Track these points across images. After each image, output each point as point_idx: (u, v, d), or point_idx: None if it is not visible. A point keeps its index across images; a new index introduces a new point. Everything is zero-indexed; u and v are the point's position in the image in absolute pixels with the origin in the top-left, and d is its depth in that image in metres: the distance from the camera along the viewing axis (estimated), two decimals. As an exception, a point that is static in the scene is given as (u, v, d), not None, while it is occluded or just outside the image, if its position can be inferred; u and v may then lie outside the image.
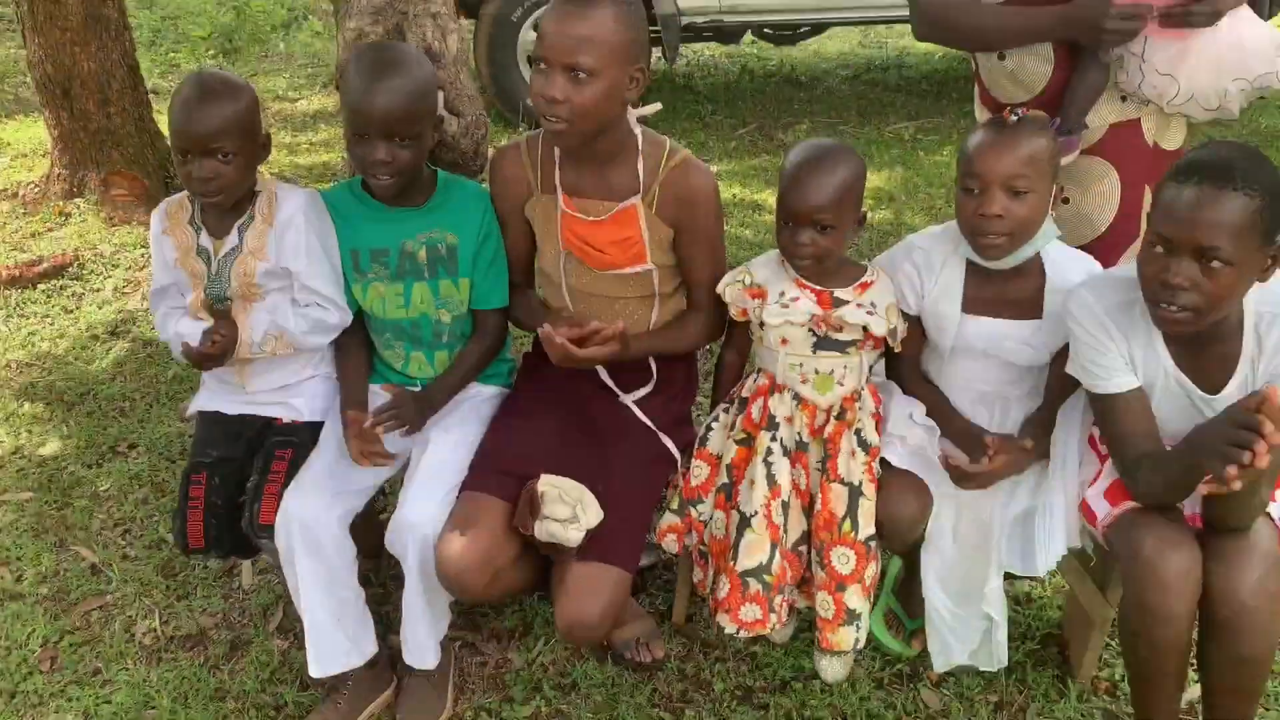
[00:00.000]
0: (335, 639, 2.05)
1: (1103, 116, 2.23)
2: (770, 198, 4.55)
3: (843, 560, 1.99)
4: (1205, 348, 1.78)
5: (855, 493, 1.99)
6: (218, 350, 2.00)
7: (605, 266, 2.08)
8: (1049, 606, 2.42)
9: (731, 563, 2.02)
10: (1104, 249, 2.21)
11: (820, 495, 2.02)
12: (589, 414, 2.15)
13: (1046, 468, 2.01)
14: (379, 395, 2.17)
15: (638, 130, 2.03)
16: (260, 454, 2.11)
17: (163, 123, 4.63)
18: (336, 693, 2.11)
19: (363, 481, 2.10)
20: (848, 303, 2.00)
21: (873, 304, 2.00)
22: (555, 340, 1.96)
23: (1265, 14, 5.56)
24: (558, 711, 2.17)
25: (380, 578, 2.47)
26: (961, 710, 2.15)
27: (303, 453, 2.10)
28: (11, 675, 2.27)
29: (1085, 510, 1.91)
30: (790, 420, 2.05)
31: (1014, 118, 1.88)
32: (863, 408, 2.05)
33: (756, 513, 2.01)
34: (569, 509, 1.95)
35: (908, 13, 2.35)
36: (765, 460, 2.03)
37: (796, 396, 2.05)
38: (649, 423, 2.14)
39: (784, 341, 2.04)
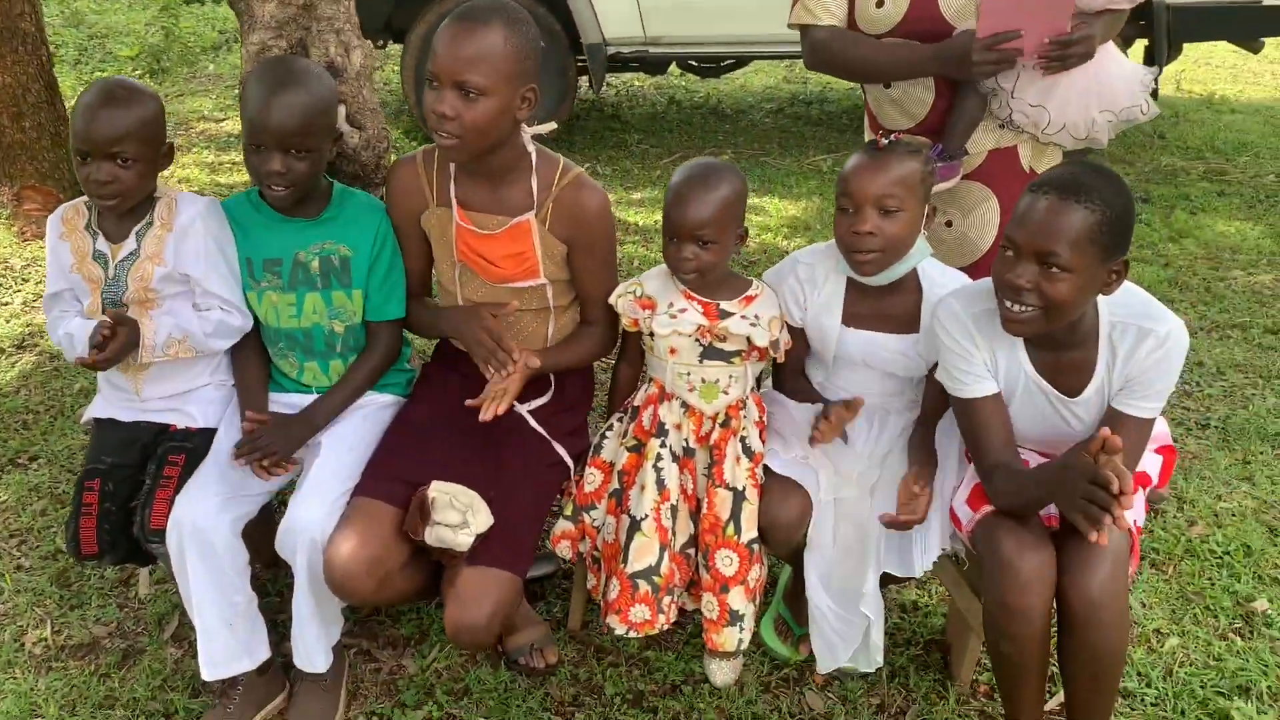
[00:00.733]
0: (227, 643, 2.06)
1: (982, 144, 2.35)
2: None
3: (726, 562, 2.06)
4: (1063, 354, 1.88)
5: (739, 497, 2.06)
6: (111, 351, 1.97)
7: (499, 280, 2.14)
8: (934, 614, 2.50)
9: (622, 565, 2.07)
10: (985, 269, 2.30)
11: (706, 500, 2.09)
12: (485, 424, 2.19)
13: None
14: (279, 403, 2.20)
15: (532, 148, 2.09)
16: (154, 460, 2.12)
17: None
18: (227, 697, 2.11)
19: (256, 487, 2.11)
20: (733, 314, 2.08)
21: (756, 316, 2.08)
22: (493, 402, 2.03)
23: (1163, 60, 5.84)
24: (449, 716, 2.19)
25: (278, 585, 2.47)
26: (845, 713, 2.22)
27: (196, 459, 2.11)
28: (-106, 686, 2.24)
29: (953, 517, 2.00)
30: (679, 427, 2.12)
31: (885, 141, 1.98)
32: (747, 416, 2.12)
33: (646, 516, 2.07)
34: (459, 515, 1.98)
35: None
36: (655, 466, 2.09)
37: (684, 404, 2.12)
38: (543, 431, 2.19)
39: (672, 351, 2.10)
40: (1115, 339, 1.86)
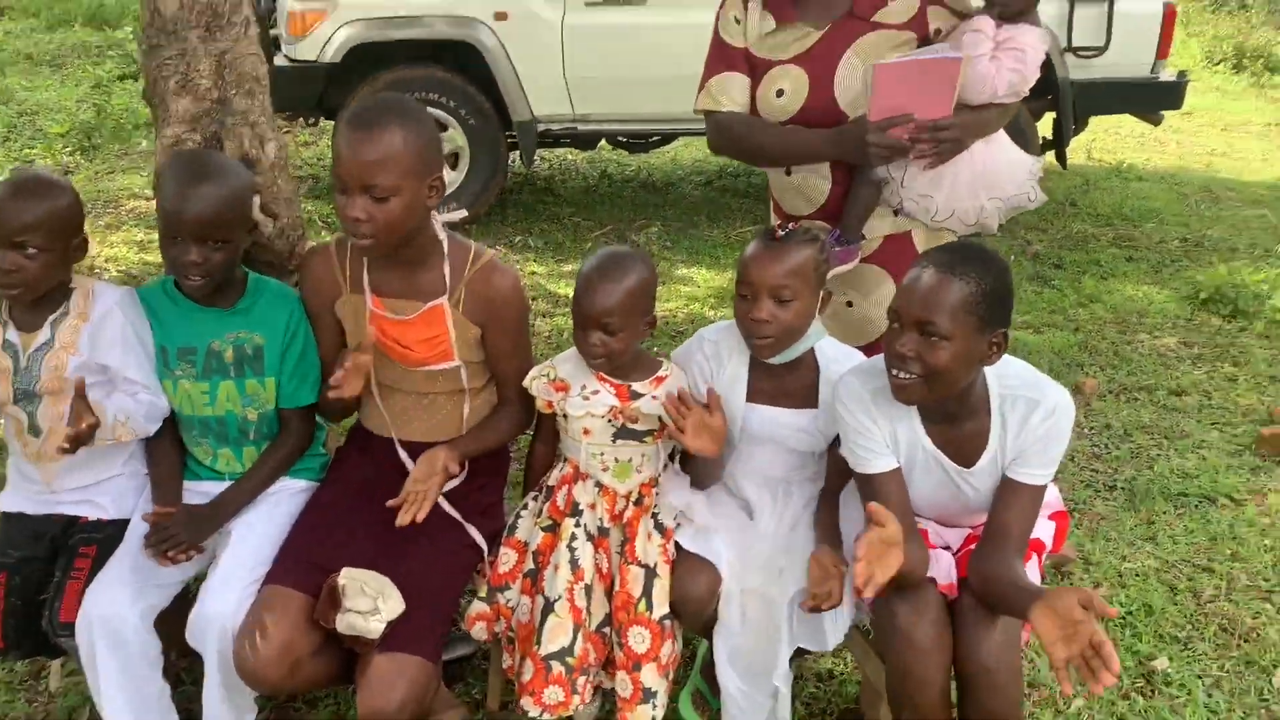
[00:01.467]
0: (137, 736, 2.04)
1: (878, 230, 2.46)
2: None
3: (639, 639, 2.09)
4: (957, 426, 1.97)
5: (651, 574, 2.10)
6: (86, 431, 1.94)
7: (414, 364, 2.18)
8: (848, 682, 2.55)
9: (536, 647, 2.09)
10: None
11: (619, 577, 2.12)
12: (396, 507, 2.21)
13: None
14: (193, 491, 2.20)
15: (443, 235, 2.15)
16: (64, 552, 2.11)
17: None
18: (138, 791, 2.08)
19: (168, 576, 2.11)
20: (644, 395, 2.14)
21: (667, 396, 2.14)
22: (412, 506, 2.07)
23: (1069, 133, 6.11)
24: (366, 802, 2.17)
25: (193, 674, 2.44)
26: (762, 784, 2.24)
27: (107, 550, 2.11)
28: None
29: (856, 589, 2.05)
30: (593, 506, 2.16)
31: (782, 232, 2.07)
32: (659, 493, 2.17)
33: (560, 597, 2.10)
34: (370, 601, 1.99)
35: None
36: (569, 545, 2.13)
37: (598, 484, 2.17)
38: (456, 515, 2.22)
39: (586, 432, 2.16)
40: (1005, 410, 1.95)
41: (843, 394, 2.02)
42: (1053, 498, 2.19)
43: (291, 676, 2.00)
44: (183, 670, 2.44)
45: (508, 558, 2.22)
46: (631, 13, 5.71)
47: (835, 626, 2.08)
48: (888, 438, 1.99)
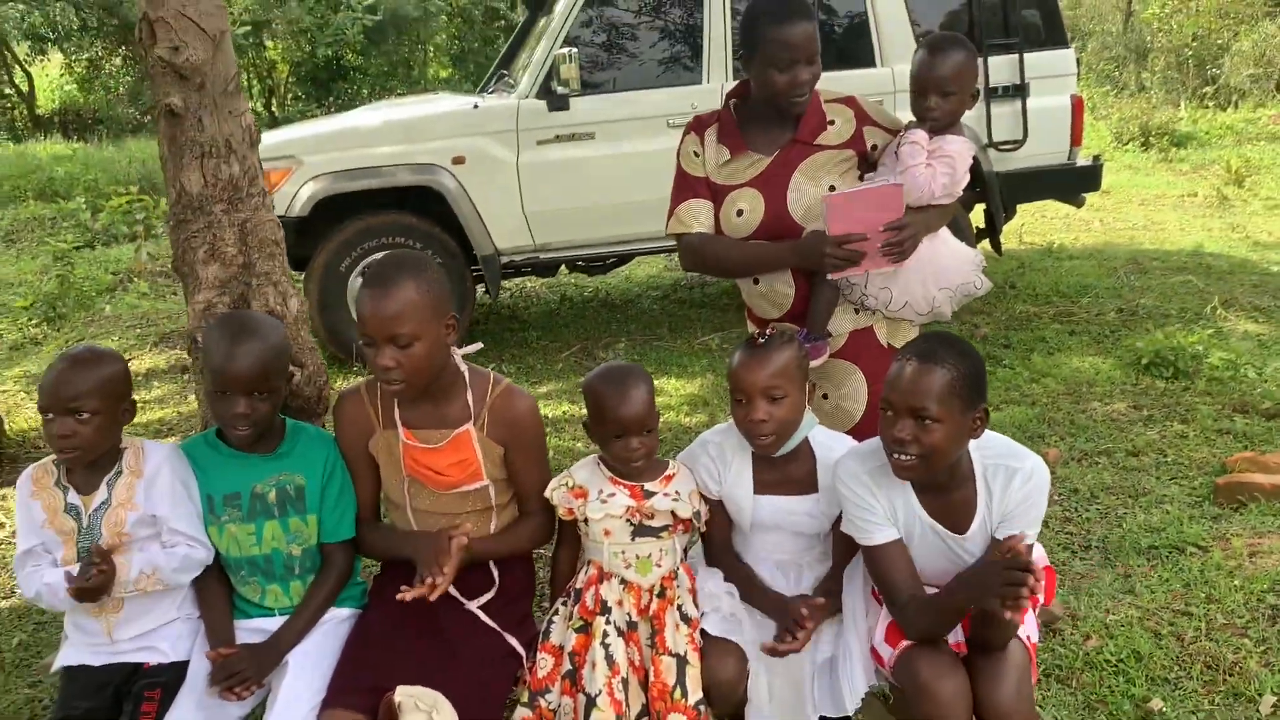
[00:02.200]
0: None
1: (842, 326, 2.72)
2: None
3: (678, 725, 2.24)
4: (947, 495, 2.18)
5: (682, 662, 2.26)
6: (99, 582, 2.12)
7: (446, 487, 2.36)
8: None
9: (583, 742, 2.23)
10: (860, 435, 2.62)
11: (653, 668, 2.28)
12: (438, 624, 2.36)
13: (841, 620, 2.34)
14: (245, 628, 2.34)
15: (463, 367, 2.37)
16: (129, 699, 2.23)
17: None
18: None
19: (233, 712, 2.23)
20: (656, 493, 2.34)
21: (677, 492, 2.35)
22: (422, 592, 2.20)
23: (1000, 220, 6.52)
24: None
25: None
26: None
27: (170, 692, 2.23)
28: None
29: (875, 654, 2.24)
30: (620, 603, 2.33)
31: (761, 340, 2.31)
32: (680, 585, 2.35)
33: (600, 691, 2.24)
34: (425, 715, 2.13)
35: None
36: (603, 643, 2.29)
37: (623, 581, 2.34)
38: (493, 624, 2.37)
39: (607, 533, 2.34)
40: (989, 478, 2.17)
41: (843, 475, 2.23)
42: (1039, 555, 2.40)
43: (357, 794, 2.11)
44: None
45: (545, 662, 2.37)
46: (580, 147, 6.04)
47: (852, 692, 2.24)
48: (887, 511, 2.20)
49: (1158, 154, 13.10)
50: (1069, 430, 4.71)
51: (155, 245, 8.80)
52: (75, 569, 2.15)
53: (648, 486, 2.35)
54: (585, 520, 2.36)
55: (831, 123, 2.68)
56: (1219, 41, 16.76)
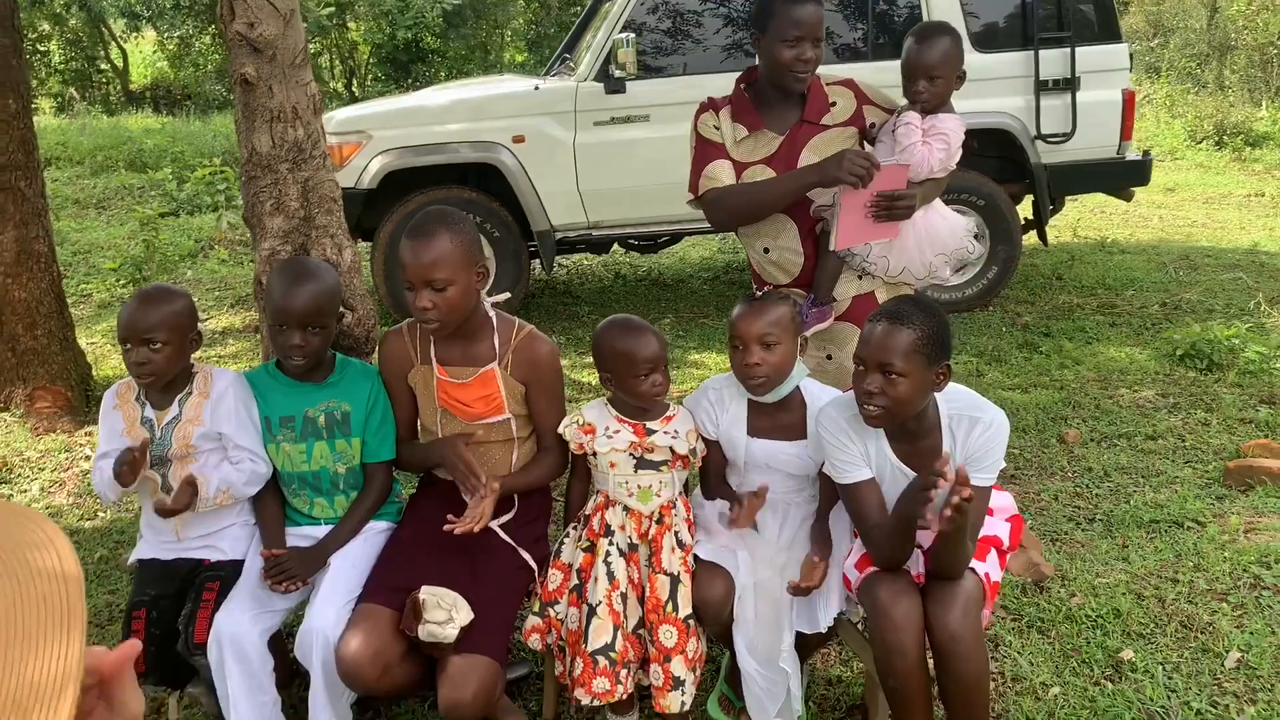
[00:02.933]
0: (258, 739, 2.46)
1: (846, 292, 2.95)
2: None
3: (668, 636, 2.50)
4: (916, 442, 2.41)
5: (675, 581, 2.53)
6: (185, 504, 2.47)
7: (473, 418, 2.66)
8: (854, 684, 2.93)
9: (584, 645, 2.51)
10: (862, 393, 2.87)
11: (649, 585, 2.55)
12: (463, 539, 2.65)
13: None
14: (295, 534, 2.66)
15: (492, 312, 2.65)
16: (192, 589, 2.56)
17: (82, 341, 5.18)
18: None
19: (280, 604, 2.56)
20: (656, 431, 2.60)
21: (676, 431, 2.60)
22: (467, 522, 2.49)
23: (1046, 212, 6.63)
24: (446, 793, 2.56)
25: (289, 701, 2.85)
26: (782, 766, 2.61)
27: (228, 585, 2.56)
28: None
29: (845, 580, 2.48)
30: (622, 528, 2.60)
31: (759, 294, 2.56)
32: (677, 514, 2.61)
33: (601, 602, 2.52)
34: (445, 612, 2.43)
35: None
36: (605, 561, 2.56)
37: (626, 508, 2.61)
38: (511, 541, 2.66)
39: (612, 465, 2.61)
40: (954, 427, 2.39)
41: (824, 421, 2.47)
42: (1007, 503, 2.62)
43: (383, 678, 2.41)
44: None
45: (555, 577, 2.65)
46: (636, 129, 6.30)
47: (825, 612, 2.48)
48: (862, 454, 2.43)
49: (1231, 153, 12.92)
50: (1092, 414, 4.82)
51: (235, 215, 9.26)
52: (128, 451, 2.44)
53: (649, 425, 2.61)
54: (594, 454, 2.63)
55: (834, 104, 2.91)
56: (1305, 40, 16.39)
